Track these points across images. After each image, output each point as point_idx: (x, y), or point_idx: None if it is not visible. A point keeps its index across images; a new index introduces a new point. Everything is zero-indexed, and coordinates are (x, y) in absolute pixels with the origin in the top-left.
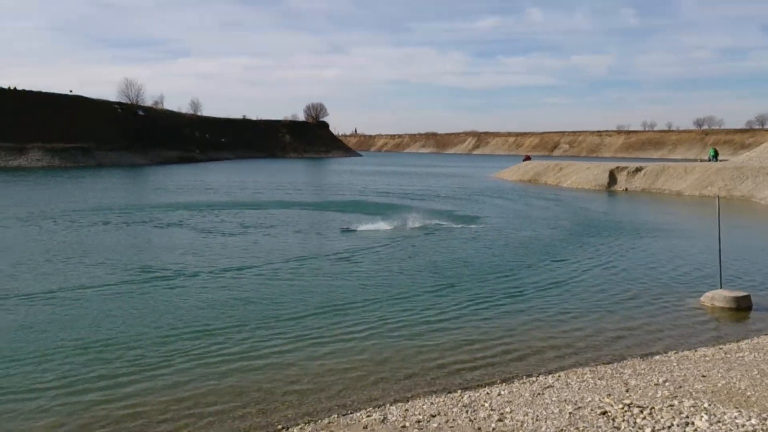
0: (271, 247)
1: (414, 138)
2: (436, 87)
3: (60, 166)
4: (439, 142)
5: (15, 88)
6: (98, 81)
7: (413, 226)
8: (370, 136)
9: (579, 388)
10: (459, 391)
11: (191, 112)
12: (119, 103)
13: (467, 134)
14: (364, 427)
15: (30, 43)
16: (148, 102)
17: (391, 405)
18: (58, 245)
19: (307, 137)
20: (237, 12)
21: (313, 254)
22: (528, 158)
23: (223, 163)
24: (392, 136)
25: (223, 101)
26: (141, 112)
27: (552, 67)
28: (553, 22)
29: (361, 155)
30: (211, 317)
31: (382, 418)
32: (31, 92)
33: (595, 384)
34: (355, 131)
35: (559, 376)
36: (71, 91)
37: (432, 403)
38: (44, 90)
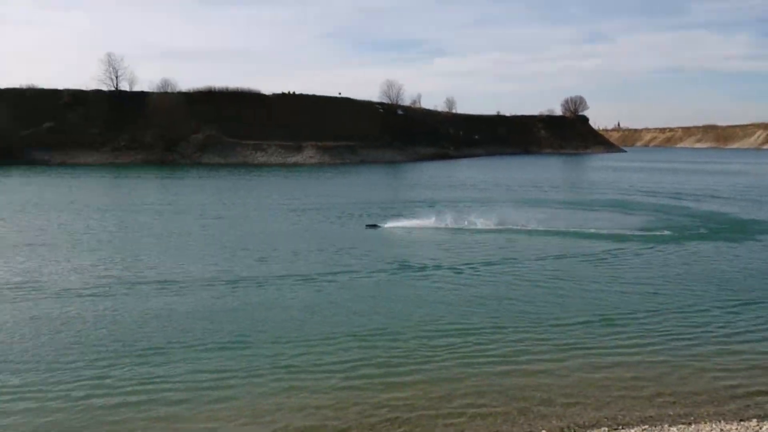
0: (523, 244)
1: (688, 131)
2: (716, 73)
3: (329, 163)
4: (720, 135)
5: (294, 92)
6: (363, 83)
7: (453, 224)
8: (635, 130)
9: None
10: (755, 420)
11: (446, 109)
12: (381, 104)
13: (756, 126)
14: None
15: (306, 51)
16: (407, 101)
17: (670, 426)
18: (328, 234)
19: (564, 132)
20: (491, 8)
21: (569, 254)
22: None
23: (476, 160)
24: (661, 130)
25: (477, 98)
26: (400, 112)
27: None
28: None
29: (624, 151)
30: (468, 314)
31: None
32: (306, 96)
33: None
34: (618, 125)
35: None
36: (340, 94)
37: (721, 430)
38: (317, 93)
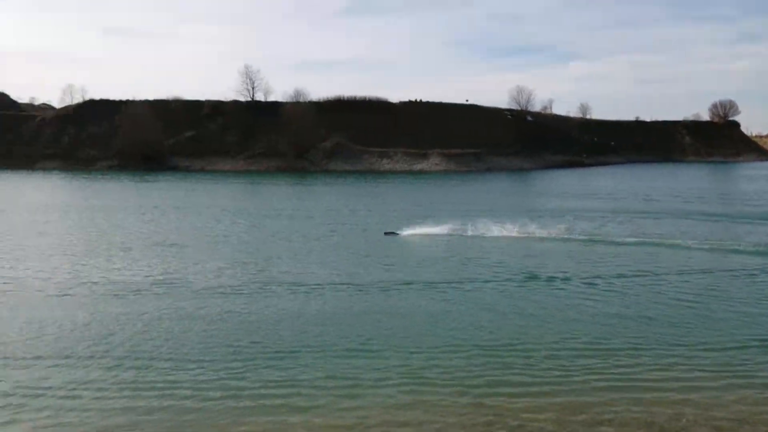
0: (664, 258)
1: None
2: None
3: (454, 170)
4: None
5: (420, 100)
6: (492, 89)
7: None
8: None
9: None
10: None
11: (579, 115)
12: (510, 110)
13: None
14: None
15: (434, 58)
16: (537, 107)
17: None
18: (453, 242)
19: (712, 139)
20: (629, 8)
21: (717, 269)
22: None
23: (611, 168)
24: None
25: (613, 103)
26: (529, 118)
27: None
28: None
29: None
30: (605, 333)
31: None
32: (432, 103)
33: None
34: None
35: None
36: (467, 101)
37: None
38: (444, 101)
